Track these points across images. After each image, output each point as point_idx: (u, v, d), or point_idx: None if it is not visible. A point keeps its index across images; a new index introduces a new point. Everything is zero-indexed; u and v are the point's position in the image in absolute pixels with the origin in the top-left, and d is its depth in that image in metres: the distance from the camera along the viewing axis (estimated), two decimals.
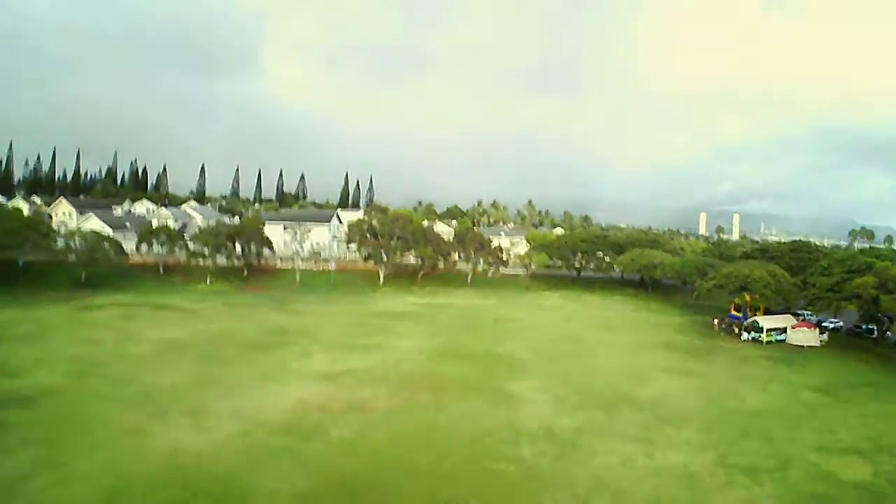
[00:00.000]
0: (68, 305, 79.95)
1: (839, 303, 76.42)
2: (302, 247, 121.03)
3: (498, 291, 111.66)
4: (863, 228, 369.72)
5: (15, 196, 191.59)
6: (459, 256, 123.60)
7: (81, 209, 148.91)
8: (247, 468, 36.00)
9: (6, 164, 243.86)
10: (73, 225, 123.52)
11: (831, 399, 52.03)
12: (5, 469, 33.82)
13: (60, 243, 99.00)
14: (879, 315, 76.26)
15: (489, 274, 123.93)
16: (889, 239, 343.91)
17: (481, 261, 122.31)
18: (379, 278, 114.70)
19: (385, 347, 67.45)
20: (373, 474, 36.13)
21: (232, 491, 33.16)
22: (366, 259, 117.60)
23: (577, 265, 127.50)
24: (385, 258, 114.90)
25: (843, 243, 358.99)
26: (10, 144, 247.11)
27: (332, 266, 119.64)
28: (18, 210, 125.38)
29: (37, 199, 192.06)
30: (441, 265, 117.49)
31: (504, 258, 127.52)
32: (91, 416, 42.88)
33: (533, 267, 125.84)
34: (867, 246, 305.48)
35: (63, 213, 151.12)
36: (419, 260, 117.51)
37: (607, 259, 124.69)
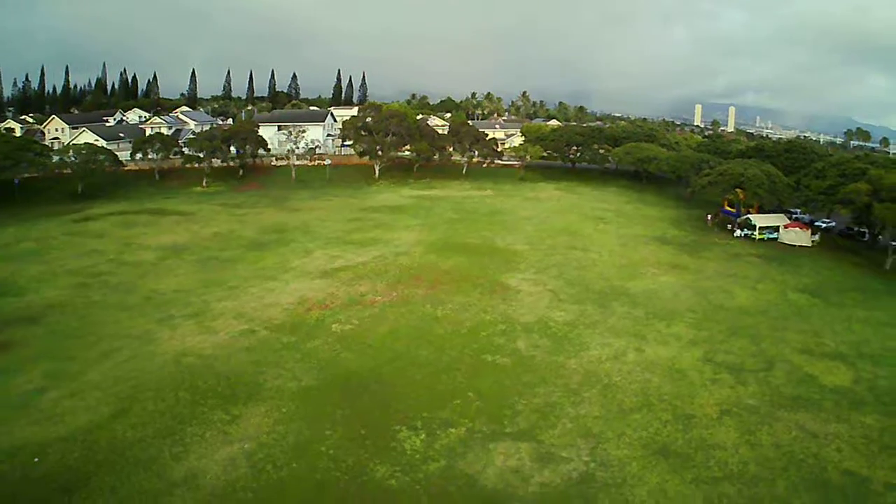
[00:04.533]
0: (67, 218, 78.90)
1: (832, 205, 76.53)
2: (297, 145, 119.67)
3: (493, 183, 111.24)
4: (859, 129, 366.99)
5: (6, 116, 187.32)
6: (454, 149, 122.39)
7: (73, 124, 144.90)
8: (252, 367, 37.11)
9: None
10: (66, 140, 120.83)
11: (819, 301, 52.93)
12: (19, 384, 34.67)
13: (55, 159, 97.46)
14: (871, 219, 76.53)
15: (484, 165, 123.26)
16: (885, 141, 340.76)
17: (476, 153, 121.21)
18: (374, 172, 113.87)
19: (382, 241, 67.94)
20: (374, 368, 37.38)
21: (239, 390, 34.29)
22: (361, 155, 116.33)
23: (571, 157, 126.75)
24: (380, 153, 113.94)
25: (839, 140, 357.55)
26: None
27: (327, 162, 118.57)
28: (10, 131, 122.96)
29: (28, 118, 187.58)
30: (436, 158, 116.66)
31: (499, 150, 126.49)
32: (98, 326, 43.61)
33: (528, 158, 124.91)
34: (861, 144, 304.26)
35: (55, 130, 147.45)
36: (414, 154, 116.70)
37: (602, 151, 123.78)
